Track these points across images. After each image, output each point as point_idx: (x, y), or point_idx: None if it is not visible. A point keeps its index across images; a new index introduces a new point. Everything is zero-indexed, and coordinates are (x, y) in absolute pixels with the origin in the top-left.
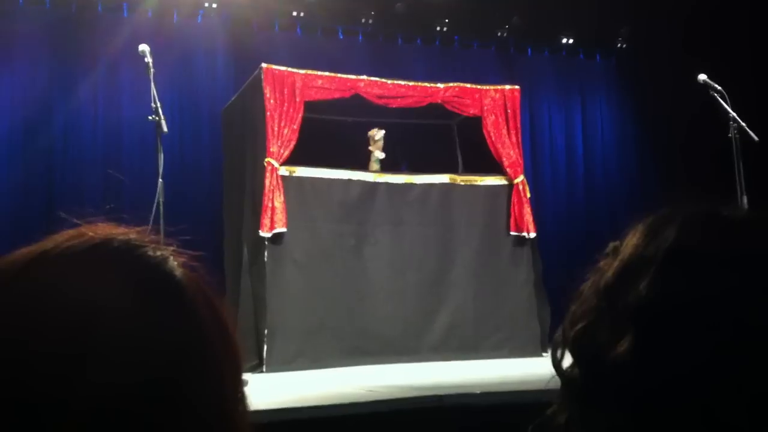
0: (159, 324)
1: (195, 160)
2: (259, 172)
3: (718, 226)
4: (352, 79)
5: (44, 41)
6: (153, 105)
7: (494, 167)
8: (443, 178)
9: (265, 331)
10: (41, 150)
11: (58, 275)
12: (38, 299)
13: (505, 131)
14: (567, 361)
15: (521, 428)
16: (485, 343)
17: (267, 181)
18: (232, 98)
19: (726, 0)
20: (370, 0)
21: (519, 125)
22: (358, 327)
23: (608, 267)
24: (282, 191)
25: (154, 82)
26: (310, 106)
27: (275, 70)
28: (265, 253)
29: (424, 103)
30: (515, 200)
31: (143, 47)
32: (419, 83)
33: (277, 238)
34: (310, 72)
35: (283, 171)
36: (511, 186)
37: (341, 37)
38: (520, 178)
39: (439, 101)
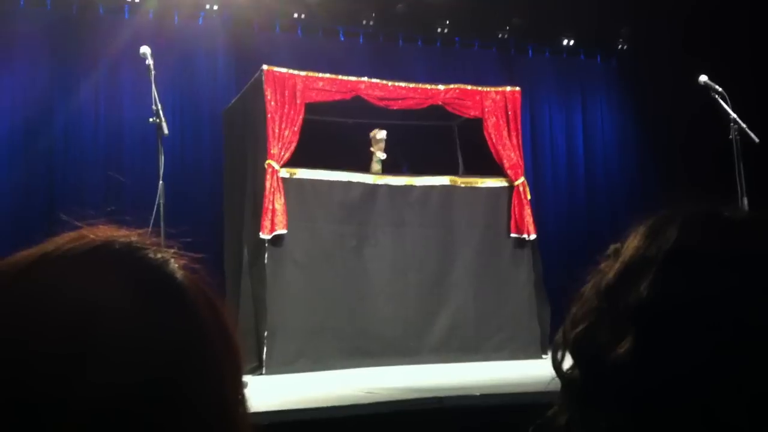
0: (159, 325)
1: (196, 161)
2: (259, 173)
3: (718, 226)
4: (352, 81)
5: (45, 42)
6: (154, 107)
7: (495, 169)
8: (444, 180)
9: (265, 333)
10: (42, 151)
11: (58, 276)
12: (39, 300)
13: (505, 133)
14: (567, 362)
15: (521, 429)
16: (486, 344)
17: (267, 183)
18: (233, 99)
19: (726, 0)
20: (370, 1)
21: (519, 127)
22: (358, 328)
23: (609, 268)
24: (282, 193)
25: (155, 84)
26: (310, 108)
27: (276, 71)
28: (266, 255)
29: (425, 105)
30: (516, 202)
31: (144, 49)
32: (420, 85)
33: (277, 239)
34: (310, 74)
35: (284, 173)
36: (511, 188)
37: (342, 38)
38: (521, 179)
39: (440, 103)
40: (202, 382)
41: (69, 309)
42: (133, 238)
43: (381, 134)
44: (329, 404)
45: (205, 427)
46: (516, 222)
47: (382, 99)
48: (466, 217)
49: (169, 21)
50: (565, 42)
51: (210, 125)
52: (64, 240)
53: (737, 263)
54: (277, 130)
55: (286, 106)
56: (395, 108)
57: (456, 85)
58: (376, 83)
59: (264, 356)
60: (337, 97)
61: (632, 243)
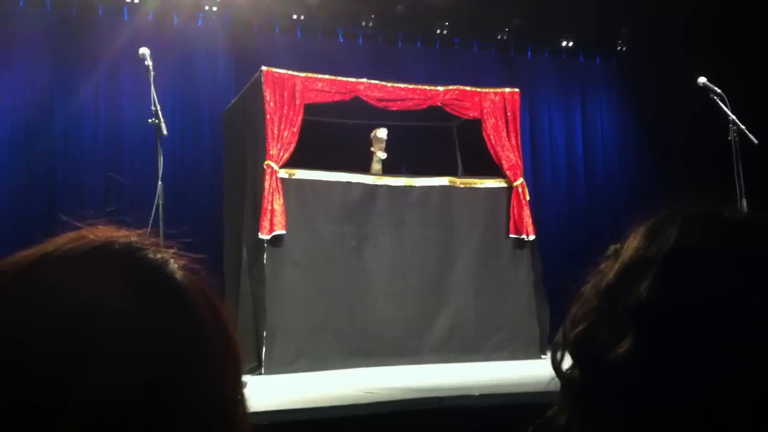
0: (159, 325)
1: (196, 162)
2: (259, 174)
3: (718, 226)
4: (352, 82)
5: (45, 43)
6: (153, 108)
7: (494, 170)
8: (443, 181)
9: (264, 333)
10: (42, 152)
11: (58, 277)
12: (39, 300)
13: (504, 134)
14: (567, 362)
15: (521, 429)
16: (486, 344)
17: (266, 184)
18: (233, 100)
19: (726, 0)
20: (370, 2)
21: (519, 128)
22: (358, 328)
23: (609, 269)
24: (281, 194)
25: (155, 85)
26: (310, 109)
27: (275, 73)
28: (265, 255)
29: (424, 106)
30: (515, 203)
31: (143, 50)
32: (419, 86)
33: (276, 240)
34: (310, 75)
35: (283, 174)
36: (510, 188)
37: (341, 39)
38: (520, 180)
39: (439, 104)
40: (202, 382)
41: (69, 309)
42: (133, 239)
43: (382, 133)
44: (329, 404)
45: (205, 427)
46: (515, 222)
47: (381, 100)
48: (466, 218)
49: (169, 22)
50: (564, 43)
51: (210, 126)
52: (64, 240)
53: (737, 263)
54: (276, 131)
55: (286, 107)
56: (394, 109)
57: (455, 86)
58: (376, 84)
59: (263, 356)
60: (337, 98)
61: (632, 243)
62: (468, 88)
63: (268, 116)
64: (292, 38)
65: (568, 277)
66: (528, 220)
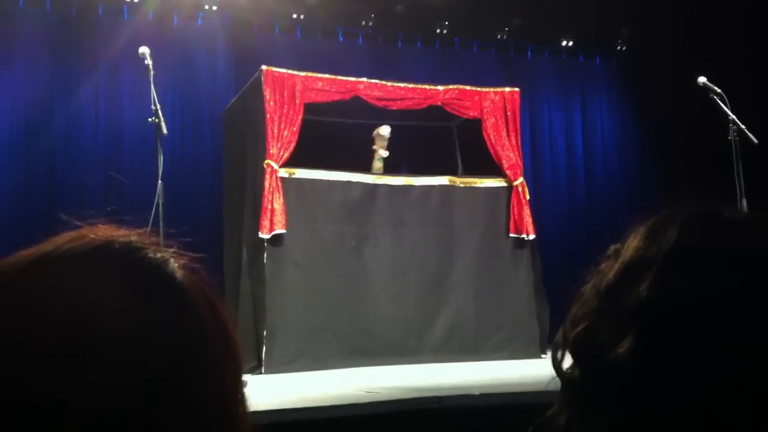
0: (159, 325)
1: (196, 161)
2: (259, 173)
3: (718, 226)
4: (351, 81)
5: (45, 43)
6: (153, 107)
7: (494, 169)
8: (443, 180)
9: (264, 333)
10: (42, 151)
11: (58, 276)
12: (38, 300)
13: (504, 134)
14: (567, 362)
15: (521, 429)
16: (486, 344)
17: (266, 183)
18: (233, 100)
19: (726, 0)
20: (370, 2)
21: (518, 128)
22: (358, 328)
23: (609, 269)
24: (281, 193)
25: (154, 84)
26: (310, 108)
27: (275, 72)
28: (265, 255)
29: (424, 105)
30: (515, 202)
31: (143, 50)
32: (419, 85)
33: (276, 239)
34: (310, 74)
35: (283, 173)
36: (510, 188)
37: (341, 38)
38: (520, 180)
39: (439, 103)
40: (202, 382)
41: (69, 309)
42: (133, 238)
43: (385, 131)
44: (329, 404)
45: (205, 426)
46: (515, 222)
47: (381, 99)
48: (466, 218)
49: (169, 21)
50: (564, 43)
51: (210, 125)
52: (63, 240)
53: (737, 263)
54: (276, 130)
55: (285, 107)
56: (394, 108)
57: (455, 86)
58: (375, 83)
59: (263, 356)
60: (336, 97)
61: (632, 243)
62: (468, 88)
63: (268, 115)
64: (292, 38)
65: (568, 277)
66: (528, 219)
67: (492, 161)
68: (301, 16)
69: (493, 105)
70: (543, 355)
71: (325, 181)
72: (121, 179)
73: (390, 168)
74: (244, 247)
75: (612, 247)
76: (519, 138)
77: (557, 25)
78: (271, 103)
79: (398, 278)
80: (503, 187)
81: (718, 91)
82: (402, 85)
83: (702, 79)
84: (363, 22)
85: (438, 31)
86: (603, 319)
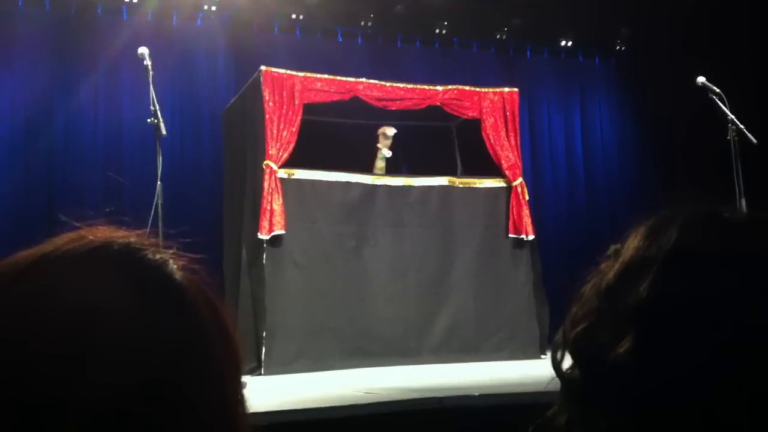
0: (159, 325)
1: (195, 162)
2: (258, 174)
3: (718, 226)
4: (351, 82)
5: (44, 43)
6: (152, 108)
7: (493, 169)
8: (442, 180)
9: (264, 333)
10: (42, 151)
11: (57, 277)
12: (38, 300)
13: (503, 134)
14: (567, 362)
15: (521, 429)
16: (486, 344)
17: (265, 184)
18: (232, 100)
19: (726, 0)
20: (369, 2)
21: (518, 128)
22: (358, 328)
23: (609, 268)
24: (281, 193)
25: (153, 84)
26: (309, 109)
27: (274, 72)
28: (264, 255)
29: (423, 106)
30: (514, 202)
31: (142, 50)
32: (418, 86)
33: (275, 240)
34: (309, 75)
35: (282, 173)
36: (509, 188)
37: (341, 38)
38: (519, 180)
39: (438, 103)
40: (202, 382)
41: (68, 309)
42: (132, 239)
43: (390, 131)
44: (328, 404)
45: (205, 427)
46: (514, 222)
47: (380, 99)
48: (465, 218)
49: (168, 21)
50: (563, 43)
51: (209, 126)
52: (63, 241)
53: (737, 263)
54: (275, 131)
55: (285, 107)
56: (394, 108)
57: (454, 86)
58: (375, 84)
59: (263, 356)
60: (336, 97)
61: (632, 243)
62: (467, 88)
63: (267, 116)
64: (292, 38)
65: (568, 277)
66: (527, 219)
67: (491, 161)
68: (301, 17)
69: (493, 105)
70: (543, 356)
71: (324, 182)
72: (121, 180)
73: (390, 168)
74: (244, 247)
75: (612, 247)
76: (518, 138)
77: (557, 25)
78: (271, 103)
79: (398, 278)
80: (502, 187)
81: (717, 91)
82: (401, 85)
83: (701, 79)
84: (362, 23)
85: (437, 31)
86: (603, 319)
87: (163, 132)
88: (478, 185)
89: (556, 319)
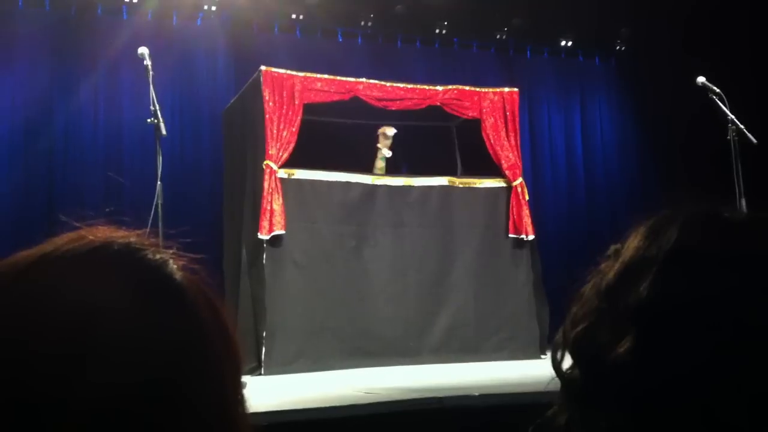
0: (159, 325)
1: (195, 162)
2: (258, 174)
3: (718, 226)
4: (351, 82)
5: (44, 43)
6: (152, 108)
7: (493, 169)
8: (442, 180)
9: (264, 333)
10: (42, 152)
11: (57, 277)
12: (38, 300)
13: (503, 134)
14: (567, 362)
15: (521, 429)
16: (486, 344)
17: (265, 184)
18: (232, 100)
19: (726, 0)
20: (369, 2)
21: (518, 128)
22: (358, 328)
23: (609, 268)
24: (281, 193)
25: (153, 84)
26: (309, 109)
27: (274, 72)
28: (264, 255)
29: (423, 106)
30: (514, 202)
31: (142, 50)
32: (418, 86)
33: (276, 240)
34: (309, 75)
35: (282, 173)
36: (509, 188)
37: (341, 38)
38: (519, 180)
39: (438, 103)
40: (202, 382)
41: (68, 309)
42: (132, 239)
43: (390, 131)
44: (329, 404)
45: (205, 427)
46: (514, 222)
47: (380, 100)
48: (465, 218)
49: (168, 22)
50: (563, 43)
51: (209, 126)
52: (63, 241)
53: (737, 263)
54: (275, 131)
55: (285, 107)
56: (394, 109)
57: (454, 86)
58: (375, 84)
59: (263, 357)
60: (336, 97)
61: (632, 243)
62: (467, 88)
63: (267, 116)
64: (292, 38)
65: (568, 277)
66: (527, 219)
67: (491, 161)
68: (301, 17)
69: (493, 105)
70: (543, 356)
71: (324, 182)
72: (121, 180)
73: (390, 168)
74: (244, 247)
75: (612, 247)
76: (518, 138)
77: (557, 25)
78: (271, 103)
79: (398, 278)
80: (502, 187)
81: (718, 91)
82: (401, 85)
83: (701, 79)
84: (362, 23)
85: (437, 31)
86: (603, 319)
87: (163, 132)
88: (478, 185)
89: (556, 319)
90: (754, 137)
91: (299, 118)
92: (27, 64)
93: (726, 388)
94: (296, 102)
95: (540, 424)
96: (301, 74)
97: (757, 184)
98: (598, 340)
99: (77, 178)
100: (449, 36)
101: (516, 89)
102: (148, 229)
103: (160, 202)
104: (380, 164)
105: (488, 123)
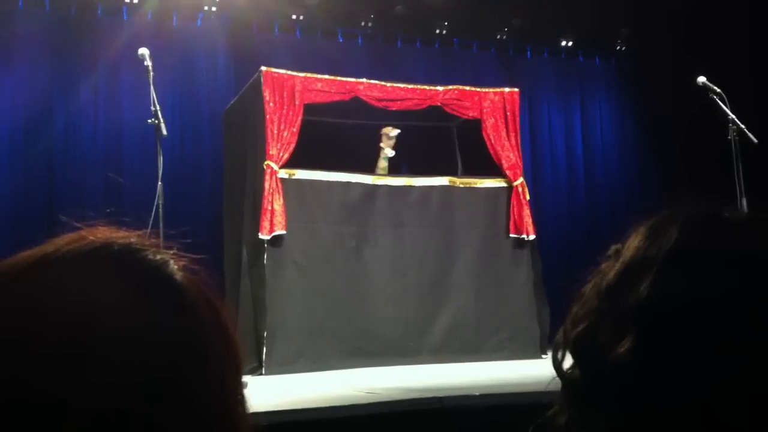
0: (159, 325)
1: (195, 162)
2: (258, 174)
3: (718, 226)
4: (351, 82)
5: (44, 44)
6: (152, 108)
7: (494, 169)
8: (443, 181)
9: (264, 333)
10: (42, 152)
11: (58, 277)
12: (38, 301)
13: (504, 134)
14: (567, 362)
15: (521, 429)
16: (486, 344)
17: (266, 184)
18: (233, 100)
19: (726, 0)
20: (369, 2)
21: (518, 128)
22: (358, 328)
23: (609, 268)
24: (281, 194)
25: (154, 85)
26: (309, 109)
27: (275, 73)
28: (265, 255)
29: (424, 106)
30: (514, 202)
31: (142, 51)
32: (418, 86)
33: (276, 240)
34: (309, 75)
35: (283, 174)
36: (510, 188)
37: (341, 39)
38: (520, 180)
39: (439, 104)
40: (202, 383)
41: (69, 310)
42: (133, 240)
43: (393, 132)
44: (329, 404)
45: (205, 427)
46: (515, 222)
47: (380, 100)
48: (466, 218)
49: (168, 22)
50: (563, 43)
51: (209, 126)
52: (63, 241)
53: (737, 263)
54: (275, 131)
55: (285, 107)
56: (394, 109)
57: (454, 86)
58: (375, 84)
59: (263, 357)
60: (336, 98)
61: (633, 243)
62: (467, 88)
63: (267, 116)
64: (292, 38)
65: (568, 277)
66: (528, 219)
67: (492, 161)
68: (301, 17)
69: (493, 105)
70: (543, 355)
71: (324, 182)
72: (121, 180)
73: (390, 168)
74: (244, 247)
75: (612, 247)
76: (519, 138)
77: (557, 25)
78: (271, 104)
79: (398, 278)
80: (503, 187)
81: (718, 90)
82: (401, 85)
83: (701, 79)
84: (362, 23)
85: (437, 31)
86: (603, 319)
87: (164, 132)
88: (478, 185)
89: (556, 319)
90: (755, 137)
91: (300, 118)
92: (27, 64)
93: (726, 388)
94: (297, 102)
95: (540, 424)
96: (302, 74)
97: (758, 184)
98: (599, 340)
99: (77, 178)
100: (449, 36)
101: (516, 89)
102: (148, 230)
103: (160, 202)
104: (383, 164)
105: (489, 123)
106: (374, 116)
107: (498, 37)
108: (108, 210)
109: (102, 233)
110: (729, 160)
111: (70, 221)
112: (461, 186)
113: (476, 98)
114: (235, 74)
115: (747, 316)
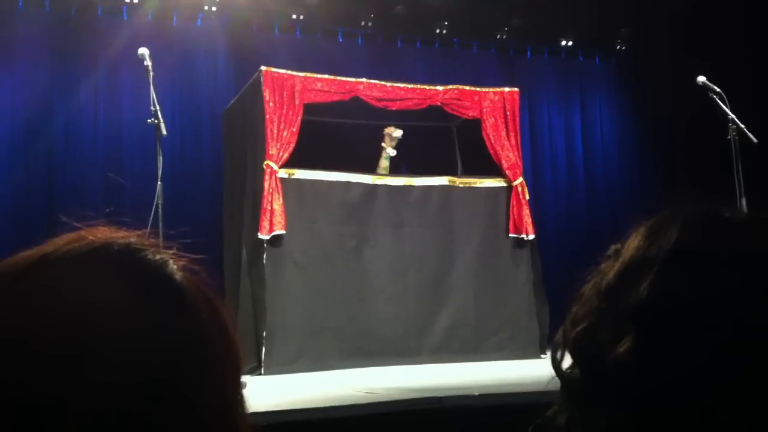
0: (159, 325)
1: (195, 162)
2: (258, 174)
3: (718, 226)
4: (351, 82)
5: (44, 44)
6: (152, 108)
7: (493, 169)
8: (443, 180)
9: (264, 333)
10: (42, 152)
11: (57, 278)
12: (38, 301)
13: (504, 134)
14: (567, 362)
15: (521, 429)
16: (486, 344)
17: (266, 184)
18: (233, 100)
19: (726, 0)
20: (369, 2)
21: (518, 127)
22: (358, 328)
23: (609, 269)
24: (281, 194)
25: (154, 85)
26: (309, 109)
27: (275, 72)
28: (264, 255)
29: (424, 106)
30: (514, 202)
31: (142, 50)
32: (418, 86)
33: (276, 240)
34: (309, 75)
35: (282, 173)
36: (510, 188)
37: (341, 39)
38: (519, 180)
39: (439, 103)
40: (202, 383)
41: (68, 310)
42: (132, 239)
43: (397, 133)
44: (329, 404)
45: (205, 427)
46: (515, 222)
47: (380, 100)
48: (466, 218)
49: (168, 22)
50: (563, 43)
51: (209, 126)
52: (63, 241)
53: (737, 263)
54: (275, 131)
55: (285, 107)
56: (394, 109)
57: (454, 86)
58: (375, 84)
59: (263, 356)
60: (336, 97)
61: (633, 243)
62: (467, 88)
63: (267, 116)
64: (292, 38)
65: (568, 277)
66: (528, 219)
67: (491, 161)
68: (301, 17)
69: (493, 105)
70: (543, 355)
71: (324, 182)
72: (121, 180)
73: (390, 168)
74: (244, 247)
75: (612, 247)
76: (518, 138)
77: (557, 25)
78: (271, 103)
79: (398, 278)
80: (503, 187)
81: (718, 90)
82: (401, 85)
83: (701, 79)
84: (362, 23)
85: (437, 31)
86: (603, 319)
87: (164, 132)
88: (478, 185)
89: (556, 319)
90: (755, 137)
91: (299, 118)
92: (27, 64)
93: (726, 388)
94: (296, 102)
95: (540, 424)
96: (302, 74)
97: (758, 184)
98: (598, 340)
99: (77, 178)
100: (449, 36)
101: (516, 89)
102: (148, 230)
103: (160, 202)
104: (384, 164)
105: (488, 123)
106: (374, 116)
107: (498, 37)
108: (108, 210)
109: (102, 233)
110: (729, 160)
111: (70, 221)
112: (461, 186)
113: (476, 98)
114: (235, 74)
115: (747, 316)
